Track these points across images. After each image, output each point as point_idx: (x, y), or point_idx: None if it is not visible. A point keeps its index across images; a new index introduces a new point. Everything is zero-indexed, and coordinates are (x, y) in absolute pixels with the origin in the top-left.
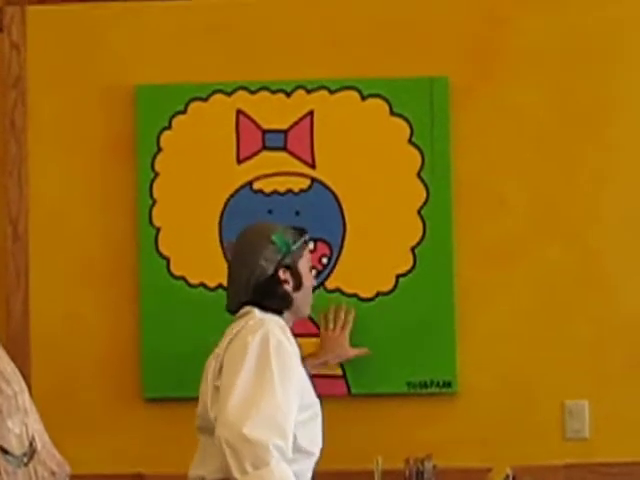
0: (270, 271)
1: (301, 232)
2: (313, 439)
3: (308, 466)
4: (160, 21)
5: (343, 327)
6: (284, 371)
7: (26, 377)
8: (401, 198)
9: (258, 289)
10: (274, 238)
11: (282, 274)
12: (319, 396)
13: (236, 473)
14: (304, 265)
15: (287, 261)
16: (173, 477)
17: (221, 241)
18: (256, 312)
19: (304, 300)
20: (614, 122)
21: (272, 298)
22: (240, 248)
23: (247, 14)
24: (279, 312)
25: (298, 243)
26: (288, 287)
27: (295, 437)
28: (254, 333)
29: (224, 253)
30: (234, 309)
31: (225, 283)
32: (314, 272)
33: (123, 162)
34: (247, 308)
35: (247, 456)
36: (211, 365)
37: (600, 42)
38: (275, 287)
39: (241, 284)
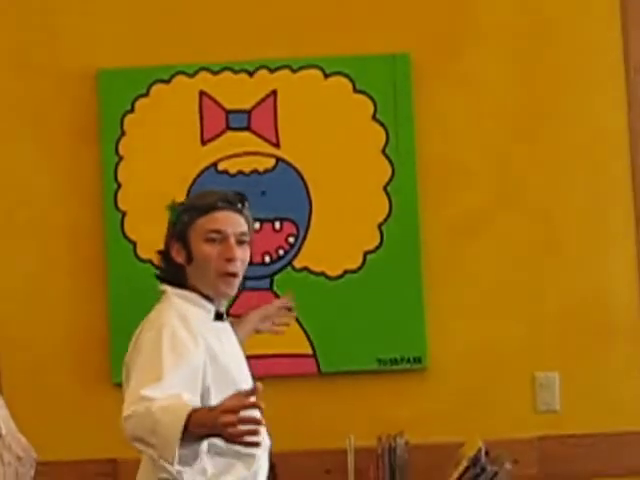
0: (168, 242)
1: (227, 198)
2: None
3: (254, 468)
4: (121, 3)
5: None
6: (174, 357)
7: None
8: (366, 175)
9: (160, 261)
10: (171, 206)
11: (172, 246)
12: (289, 375)
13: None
14: (197, 236)
15: (177, 231)
16: None
17: None
18: (168, 292)
19: (202, 274)
20: (578, 97)
21: (168, 272)
22: None
23: None
24: (189, 288)
25: (193, 212)
26: (180, 260)
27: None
28: (150, 330)
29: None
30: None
31: None
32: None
33: (87, 147)
34: (162, 287)
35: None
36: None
37: (564, 17)
38: (168, 259)
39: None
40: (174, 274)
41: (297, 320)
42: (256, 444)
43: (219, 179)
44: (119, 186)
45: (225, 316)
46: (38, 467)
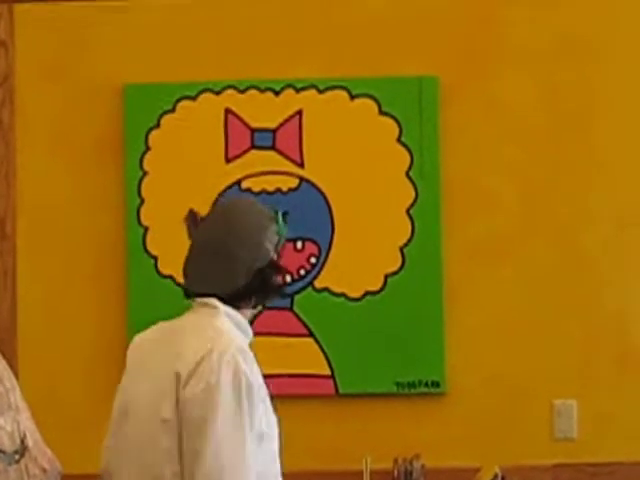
0: (271, 255)
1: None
2: (266, 462)
3: None
4: (149, 19)
5: None
6: (253, 425)
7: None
8: (390, 198)
9: (258, 275)
10: (279, 218)
11: (278, 261)
12: (306, 396)
13: None
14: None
15: (280, 246)
16: None
17: None
18: (221, 310)
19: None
20: (602, 119)
21: (268, 287)
22: (240, 222)
23: (236, 13)
24: (252, 306)
25: (286, 227)
26: (281, 276)
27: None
28: (224, 370)
29: (192, 225)
30: (207, 292)
31: None
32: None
33: (111, 161)
34: (214, 301)
35: None
36: (160, 375)
37: (588, 40)
38: (272, 275)
39: (240, 266)
40: (275, 290)
41: (316, 341)
42: None
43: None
44: (142, 201)
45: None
46: None
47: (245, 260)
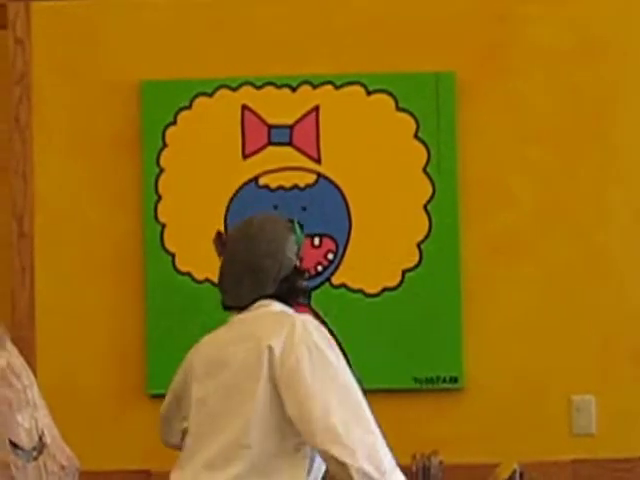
0: (294, 263)
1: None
2: None
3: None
4: (165, 16)
5: None
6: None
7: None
8: (407, 193)
9: (284, 282)
10: (295, 228)
11: (300, 266)
12: None
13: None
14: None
15: (301, 253)
16: None
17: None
18: (275, 304)
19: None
20: (620, 117)
21: (295, 291)
22: (261, 238)
23: (252, 9)
24: (291, 306)
25: (303, 235)
26: (305, 280)
27: None
28: (312, 330)
29: (219, 245)
30: (246, 303)
31: None
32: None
33: (128, 158)
34: (264, 301)
35: (372, 463)
36: (248, 355)
37: (607, 38)
38: (297, 280)
39: (267, 277)
40: (302, 292)
41: (333, 336)
42: None
43: (260, 194)
44: (159, 198)
45: None
46: None
47: (271, 271)
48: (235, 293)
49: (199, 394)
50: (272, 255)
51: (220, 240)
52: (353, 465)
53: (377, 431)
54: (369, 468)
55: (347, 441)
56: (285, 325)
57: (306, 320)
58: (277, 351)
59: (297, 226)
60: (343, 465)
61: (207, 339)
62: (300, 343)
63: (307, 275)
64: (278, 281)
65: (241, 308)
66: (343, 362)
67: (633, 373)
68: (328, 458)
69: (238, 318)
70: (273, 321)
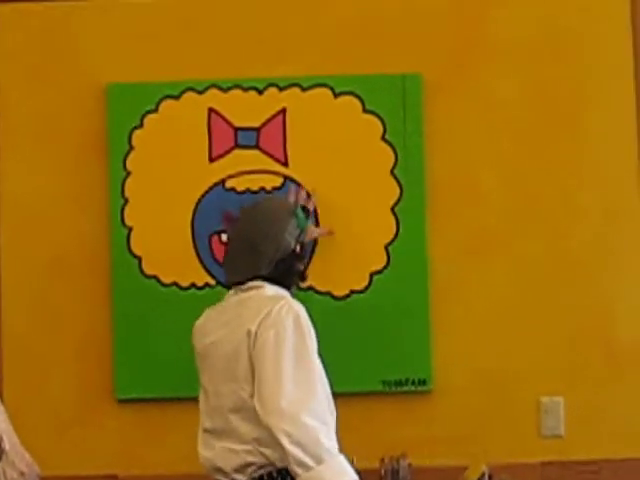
0: (292, 246)
1: (304, 209)
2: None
3: None
4: (131, 19)
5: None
6: (315, 359)
7: None
8: (374, 195)
9: (280, 264)
10: (297, 212)
11: (299, 251)
12: None
13: (296, 466)
14: (308, 243)
15: (302, 237)
16: (148, 478)
17: (194, 240)
18: (268, 286)
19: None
20: (589, 113)
21: (291, 274)
22: (261, 220)
23: (219, 12)
24: (288, 288)
25: (309, 220)
26: (303, 264)
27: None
28: (287, 315)
29: (226, 224)
30: (240, 281)
31: (198, 282)
32: None
33: (94, 161)
34: (257, 282)
35: (308, 451)
36: (233, 338)
37: (574, 33)
38: (294, 263)
39: (263, 257)
40: (297, 276)
41: None
42: None
43: (226, 197)
44: (126, 201)
45: None
46: None
47: (267, 252)
48: (232, 271)
49: (201, 381)
50: (271, 237)
51: (227, 220)
52: (291, 451)
53: (326, 420)
54: (304, 455)
55: (291, 426)
56: (266, 308)
57: (286, 305)
58: (253, 334)
59: (301, 211)
60: (283, 448)
61: (202, 321)
62: (270, 327)
63: (305, 259)
64: (274, 263)
65: (235, 284)
66: (311, 350)
67: (602, 375)
68: (275, 439)
69: (228, 301)
70: (258, 305)
